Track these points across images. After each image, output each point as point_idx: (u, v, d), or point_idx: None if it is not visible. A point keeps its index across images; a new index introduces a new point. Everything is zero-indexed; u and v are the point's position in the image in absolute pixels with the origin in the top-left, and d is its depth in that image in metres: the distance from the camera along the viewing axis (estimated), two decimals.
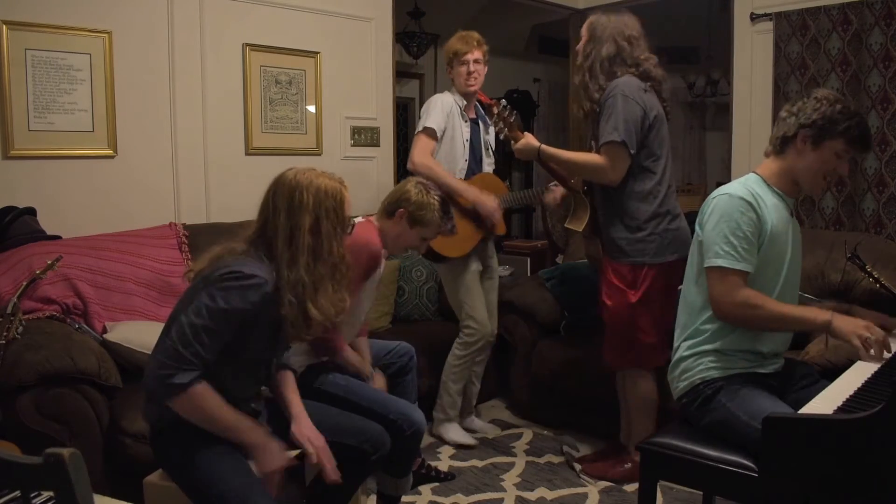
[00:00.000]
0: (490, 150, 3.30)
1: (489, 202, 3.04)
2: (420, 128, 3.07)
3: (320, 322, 1.77)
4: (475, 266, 3.18)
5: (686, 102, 7.88)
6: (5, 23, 2.83)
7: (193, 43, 3.37)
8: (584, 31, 2.74)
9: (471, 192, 3.04)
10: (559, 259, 4.35)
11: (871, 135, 1.96)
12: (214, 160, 3.48)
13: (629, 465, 2.79)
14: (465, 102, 3.17)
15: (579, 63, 2.72)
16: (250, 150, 3.61)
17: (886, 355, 1.79)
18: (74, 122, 3.04)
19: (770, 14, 3.71)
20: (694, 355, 2.00)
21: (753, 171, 2.06)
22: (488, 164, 3.27)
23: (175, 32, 3.30)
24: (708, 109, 7.87)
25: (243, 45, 3.54)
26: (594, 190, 2.78)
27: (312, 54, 3.80)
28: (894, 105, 3.37)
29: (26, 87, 2.90)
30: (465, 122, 3.16)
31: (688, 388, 1.99)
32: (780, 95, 3.66)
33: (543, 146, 2.74)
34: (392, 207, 2.49)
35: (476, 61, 3.10)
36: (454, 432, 3.20)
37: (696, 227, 2.04)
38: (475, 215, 3.09)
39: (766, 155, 2.06)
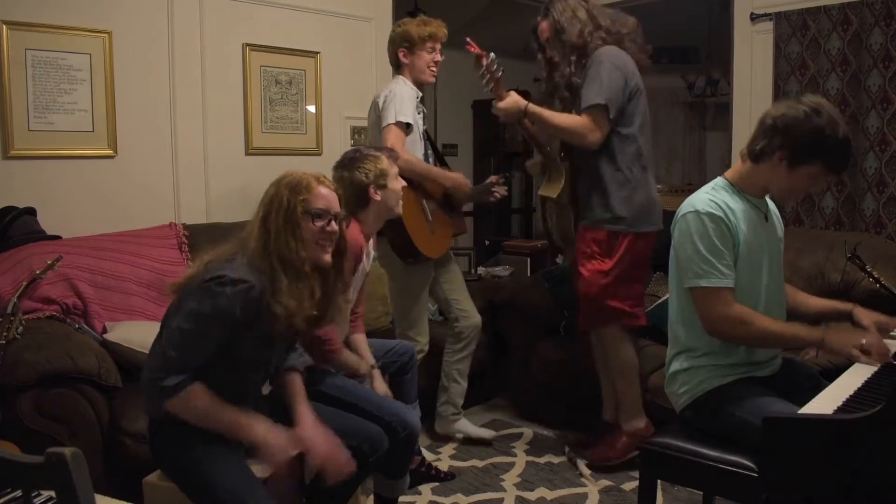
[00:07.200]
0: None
1: (467, 182, 3.02)
2: (392, 120, 2.80)
3: (282, 317, 1.72)
4: (432, 275, 3.05)
5: (686, 102, 7.86)
6: (5, 23, 2.83)
7: (193, 43, 3.37)
8: (544, 28, 2.78)
9: (451, 177, 2.98)
10: (559, 259, 4.35)
11: (851, 156, 1.89)
12: (214, 160, 3.48)
13: (624, 438, 2.82)
14: (420, 94, 2.97)
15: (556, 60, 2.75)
16: (250, 150, 3.61)
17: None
18: (74, 122, 3.04)
19: (770, 14, 3.71)
20: (690, 369, 1.97)
21: (722, 176, 2.02)
22: (430, 156, 3.10)
23: (175, 32, 3.30)
24: (708, 109, 7.86)
25: (243, 45, 3.54)
26: (573, 156, 2.82)
27: (312, 54, 3.80)
28: (894, 105, 3.36)
29: (26, 87, 2.90)
30: (420, 114, 2.96)
31: (690, 401, 1.97)
32: (780, 95, 3.65)
33: (531, 105, 2.73)
34: (361, 197, 2.41)
35: (441, 52, 2.94)
36: (470, 426, 3.17)
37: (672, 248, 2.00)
38: (450, 214, 3.03)
39: (742, 158, 2.00)
